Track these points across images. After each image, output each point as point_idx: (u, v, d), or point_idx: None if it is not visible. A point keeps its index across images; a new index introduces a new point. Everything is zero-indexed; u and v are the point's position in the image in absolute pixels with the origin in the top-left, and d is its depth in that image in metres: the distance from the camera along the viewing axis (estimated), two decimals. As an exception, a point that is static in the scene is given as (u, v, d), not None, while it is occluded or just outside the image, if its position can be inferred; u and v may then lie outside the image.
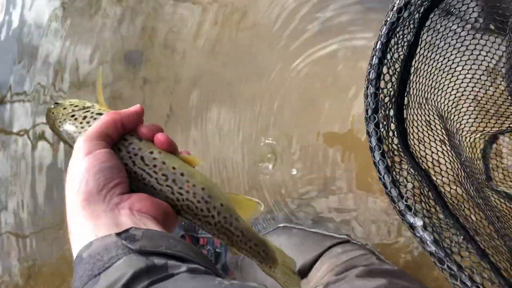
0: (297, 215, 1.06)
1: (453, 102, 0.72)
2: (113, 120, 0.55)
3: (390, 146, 0.57)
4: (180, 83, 1.22)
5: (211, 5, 1.20)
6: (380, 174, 0.55)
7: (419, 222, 0.49)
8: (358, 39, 1.04)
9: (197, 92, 1.19)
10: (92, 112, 0.60)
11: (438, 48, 0.64)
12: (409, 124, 0.61)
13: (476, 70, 0.68)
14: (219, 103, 1.17)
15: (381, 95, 0.58)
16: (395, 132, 0.58)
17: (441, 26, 0.61)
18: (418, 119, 0.63)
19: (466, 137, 0.78)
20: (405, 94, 0.61)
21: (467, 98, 0.72)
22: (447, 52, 0.65)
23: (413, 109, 0.62)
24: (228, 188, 1.14)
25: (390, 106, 0.58)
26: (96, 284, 0.43)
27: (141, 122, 0.58)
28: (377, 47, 0.58)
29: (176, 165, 0.57)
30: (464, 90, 0.71)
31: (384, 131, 0.57)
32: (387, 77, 0.58)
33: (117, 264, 0.44)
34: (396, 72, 0.59)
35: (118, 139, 0.56)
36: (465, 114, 0.75)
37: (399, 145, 0.58)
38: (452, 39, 0.64)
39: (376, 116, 0.57)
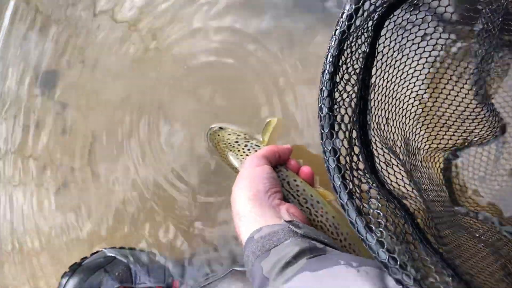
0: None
1: (413, 120, 0.67)
2: (273, 150, 0.75)
3: (354, 172, 0.50)
4: (105, 106, 1.10)
5: (134, 24, 1.11)
6: (343, 202, 0.48)
7: (407, 279, 0.42)
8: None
9: (124, 115, 1.08)
10: (251, 143, 0.83)
11: (395, 60, 0.59)
12: (374, 146, 0.54)
13: (438, 79, 0.63)
14: (150, 125, 1.06)
15: (338, 116, 0.52)
16: (360, 156, 0.51)
17: (397, 36, 0.57)
18: (381, 140, 0.57)
19: (426, 157, 0.73)
20: (367, 112, 0.54)
21: (427, 114, 0.67)
22: (405, 65, 0.60)
23: (375, 129, 0.56)
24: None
25: (351, 127, 0.51)
26: (267, 256, 0.55)
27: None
28: (328, 60, 0.51)
29: (313, 194, 0.74)
30: (425, 106, 0.66)
31: (348, 157, 0.50)
32: (343, 94, 0.52)
33: (285, 243, 0.56)
34: (354, 89, 0.53)
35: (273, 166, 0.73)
36: (425, 132, 0.70)
37: (365, 171, 0.51)
38: (410, 50, 0.59)
39: (332, 142, 0.50)
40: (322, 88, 0.51)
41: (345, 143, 0.50)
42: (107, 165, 1.09)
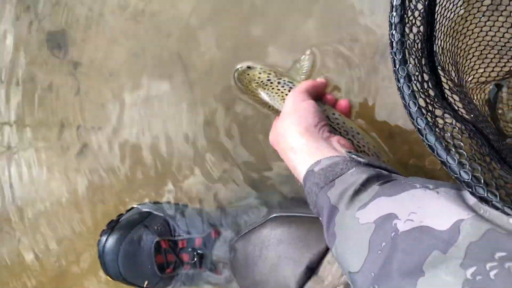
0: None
1: (464, 51, 0.67)
2: (313, 85, 0.75)
3: (426, 99, 0.51)
4: (118, 63, 1.07)
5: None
6: (420, 127, 0.49)
7: (493, 197, 0.43)
8: None
9: (140, 70, 1.05)
10: (284, 80, 0.81)
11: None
12: (441, 73, 0.55)
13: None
14: (170, 80, 1.03)
15: (409, 42, 0.52)
16: (429, 83, 0.52)
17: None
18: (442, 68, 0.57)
19: (472, 89, 0.74)
20: (433, 39, 0.54)
21: (479, 44, 0.67)
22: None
23: (440, 56, 0.56)
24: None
25: (421, 54, 0.51)
26: (332, 187, 0.56)
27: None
28: (398, -15, 0.51)
29: (353, 126, 0.75)
30: (477, 36, 0.66)
31: (419, 83, 0.50)
32: (413, 20, 0.52)
33: (349, 172, 0.56)
34: (420, 14, 0.53)
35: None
36: (474, 63, 0.70)
37: (436, 98, 0.52)
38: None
39: (406, 68, 0.50)
40: (392, 14, 0.50)
41: (418, 69, 0.50)
42: (129, 121, 1.08)
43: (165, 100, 1.04)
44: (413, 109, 0.49)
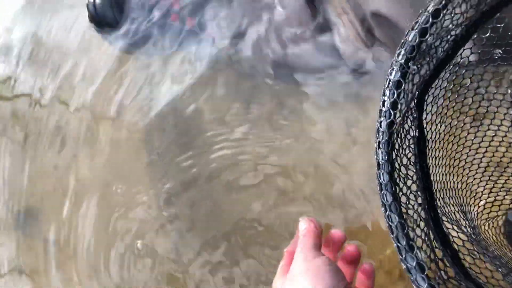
0: None
1: (467, 191, 0.62)
2: (317, 234, 0.63)
3: (448, 284, 0.43)
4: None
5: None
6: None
7: None
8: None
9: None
10: None
11: (442, 134, 0.54)
12: (456, 240, 0.48)
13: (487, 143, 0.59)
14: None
15: (410, 220, 0.45)
16: (445, 260, 0.45)
17: (438, 107, 0.52)
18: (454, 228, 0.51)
19: (484, 225, 0.68)
20: (436, 205, 0.48)
21: (480, 181, 0.62)
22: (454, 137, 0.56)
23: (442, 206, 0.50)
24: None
25: (427, 230, 0.45)
26: None
27: None
28: (382, 160, 0.45)
29: None
30: (476, 173, 0.61)
31: (434, 266, 0.43)
32: (407, 192, 0.46)
33: None
34: (416, 182, 0.47)
35: None
36: (480, 199, 0.65)
37: (457, 277, 0.44)
38: (452, 119, 0.55)
39: (415, 256, 0.43)
40: (384, 193, 0.44)
41: (428, 251, 0.44)
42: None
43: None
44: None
